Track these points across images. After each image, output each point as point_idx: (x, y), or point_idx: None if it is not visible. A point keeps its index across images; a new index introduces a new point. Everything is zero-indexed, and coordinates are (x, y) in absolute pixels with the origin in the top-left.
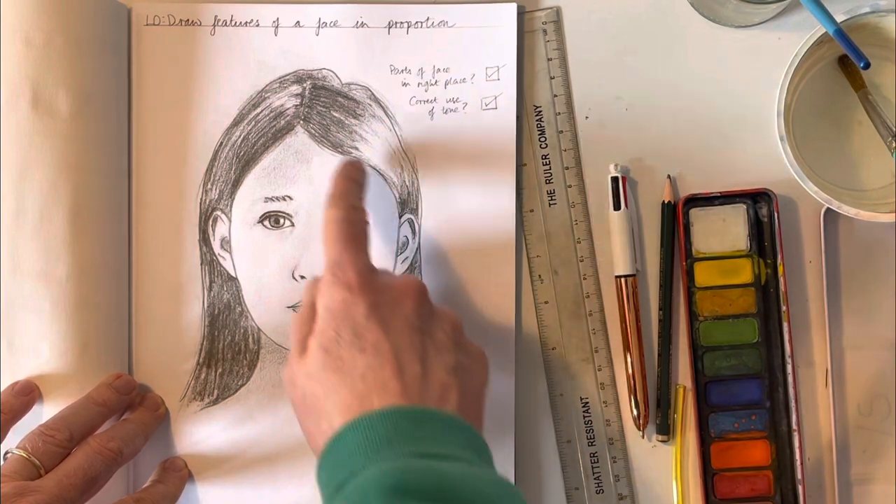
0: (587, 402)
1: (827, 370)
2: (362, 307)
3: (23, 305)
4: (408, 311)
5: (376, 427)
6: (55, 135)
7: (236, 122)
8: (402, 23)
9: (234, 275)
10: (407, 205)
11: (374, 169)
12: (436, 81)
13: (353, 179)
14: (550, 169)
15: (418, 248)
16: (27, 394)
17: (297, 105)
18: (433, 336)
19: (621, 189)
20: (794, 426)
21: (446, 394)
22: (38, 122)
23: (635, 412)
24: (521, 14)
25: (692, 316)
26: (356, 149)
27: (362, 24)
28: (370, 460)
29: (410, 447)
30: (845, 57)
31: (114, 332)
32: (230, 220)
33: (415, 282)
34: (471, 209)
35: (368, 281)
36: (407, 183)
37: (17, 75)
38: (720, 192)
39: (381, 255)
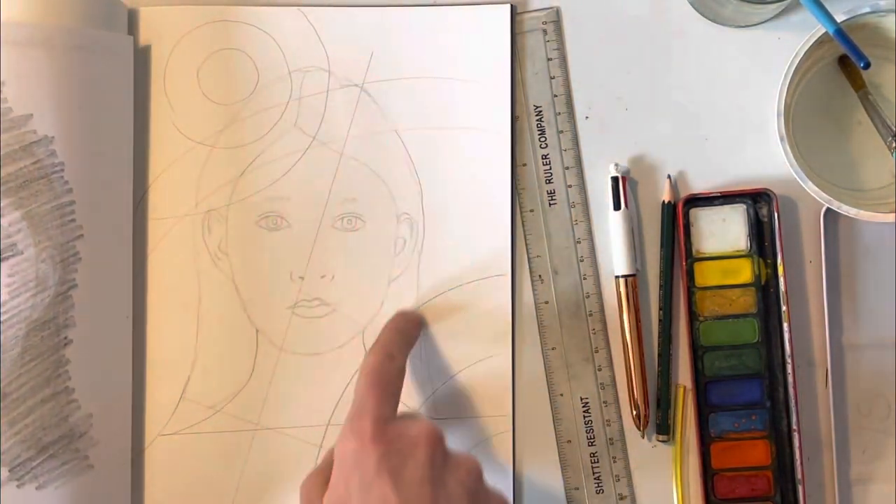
0: (587, 402)
1: (827, 370)
2: (373, 458)
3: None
4: (420, 460)
5: None
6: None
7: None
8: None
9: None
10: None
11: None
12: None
13: (399, 331)
14: (550, 169)
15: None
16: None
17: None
18: (447, 486)
19: (621, 189)
20: (794, 426)
21: None
22: None
23: (635, 412)
24: (515, 14)
25: (692, 316)
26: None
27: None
28: None
29: None
30: (845, 57)
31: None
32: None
33: (428, 429)
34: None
35: (381, 431)
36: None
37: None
38: (720, 192)
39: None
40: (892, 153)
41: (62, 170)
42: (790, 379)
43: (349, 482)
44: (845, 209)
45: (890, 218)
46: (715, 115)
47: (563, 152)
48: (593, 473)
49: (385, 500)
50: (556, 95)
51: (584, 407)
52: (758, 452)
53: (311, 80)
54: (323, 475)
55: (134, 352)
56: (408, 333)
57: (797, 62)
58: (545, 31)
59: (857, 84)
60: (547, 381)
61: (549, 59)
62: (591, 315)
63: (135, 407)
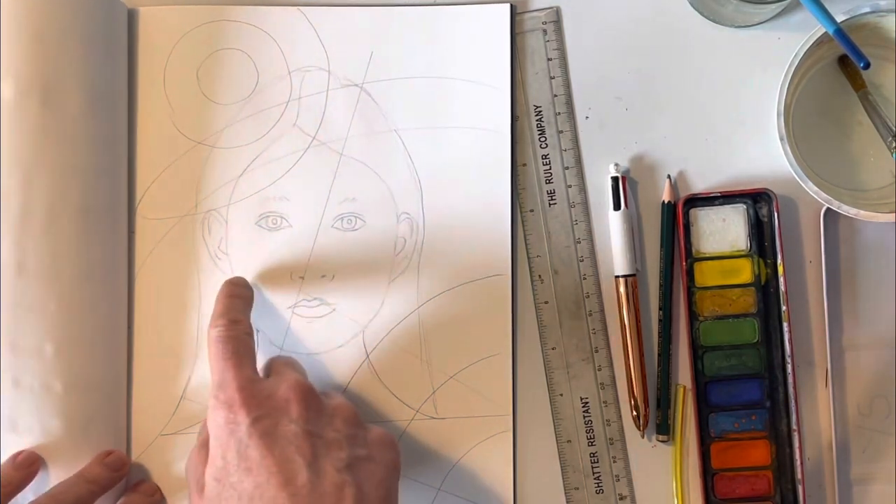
0: (587, 402)
1: (827, 370)
2: (244, 425)
3: (28, 306)
4: (294, 416)
5: None
6: (64, 134)
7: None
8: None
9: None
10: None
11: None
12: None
13: (233, 296)
14: (550, 169)
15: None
16: (28, 466)
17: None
18: (323, 435)
19: (621, 189)
20: (794, 426)
21: (341, 493)
22: (49, 120)
23: (635, 412)
24: (515, 14)
25: (692, 316)
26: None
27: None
28: None
29: None
30: (845, 57)
31: (115, 333)
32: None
33: (296, 384)
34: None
35: (249, 395)
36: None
37: (29, 72)
38: (720, 192)
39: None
40: (892, 153)
41: None
42: (790, 379)
43: (226, 452)
44: (845, 209)
45: (890, 218)
46: (715, 115)
47: (563, 152)
48: (593, 473)
49: (261, 461)
50: (556, 95)
51: (584, 407)
52: (758, 452)
53: (311, 80)
54: (203, 452)
55: (134, 352)
56: (243, 296)
57: (797, 62)
58: (545, 31)
59: (857, 84)
60: (547, 381)
61: (549, 59)
62: (590, 315)
63: (134, 407)
